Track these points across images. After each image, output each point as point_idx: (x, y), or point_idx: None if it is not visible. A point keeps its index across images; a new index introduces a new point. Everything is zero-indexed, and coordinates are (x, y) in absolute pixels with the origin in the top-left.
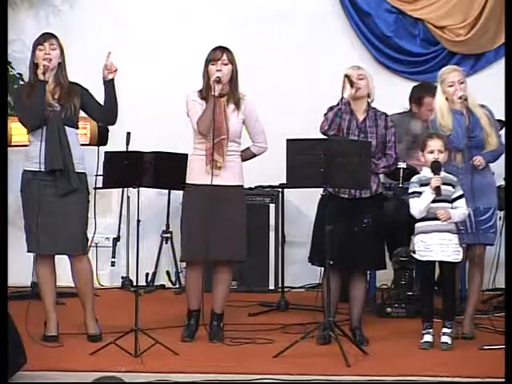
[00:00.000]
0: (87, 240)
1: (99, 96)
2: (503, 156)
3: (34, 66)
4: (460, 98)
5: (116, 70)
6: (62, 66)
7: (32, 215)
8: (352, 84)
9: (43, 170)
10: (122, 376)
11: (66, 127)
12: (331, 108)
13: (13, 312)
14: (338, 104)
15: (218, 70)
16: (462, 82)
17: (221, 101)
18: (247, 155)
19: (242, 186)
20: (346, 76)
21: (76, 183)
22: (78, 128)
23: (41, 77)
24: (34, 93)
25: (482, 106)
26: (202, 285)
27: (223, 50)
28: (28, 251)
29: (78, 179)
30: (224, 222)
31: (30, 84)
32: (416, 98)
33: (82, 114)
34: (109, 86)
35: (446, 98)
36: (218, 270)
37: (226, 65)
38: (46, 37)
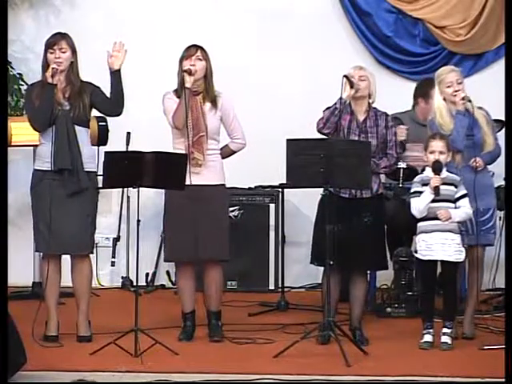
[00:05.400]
0: (93, 240)
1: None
2: (503, 156)
3: (46, 66)
4: (463, 99)
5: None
6: (73, 65)
7: (40, 214)
8: (352, 85)
9: (52, 169)
10: (122, 376)
11: (76, 126)
12: (328, 108)
13: (13, 312)
14: (335, 103)
15: (191, 65)
16: (460, 82)
17: (197, 99)
18: (226, 152)
19: (223, 184)
20: (346, 76)
21: (85, 183)
22: (88, 127)
23: (49, 80)
24: (43, 94)
25: (480, 108)
26: (193, 285)
27: (197, 46)
28: (36, 250)
29: (87, 179)
30: (207, 222)
31: (42, 84)
32: (423, 92)
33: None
34: (115, 76)
35: (444, 99)
36: (207, 270)
37: (200, 60)
38: (57, 39)
